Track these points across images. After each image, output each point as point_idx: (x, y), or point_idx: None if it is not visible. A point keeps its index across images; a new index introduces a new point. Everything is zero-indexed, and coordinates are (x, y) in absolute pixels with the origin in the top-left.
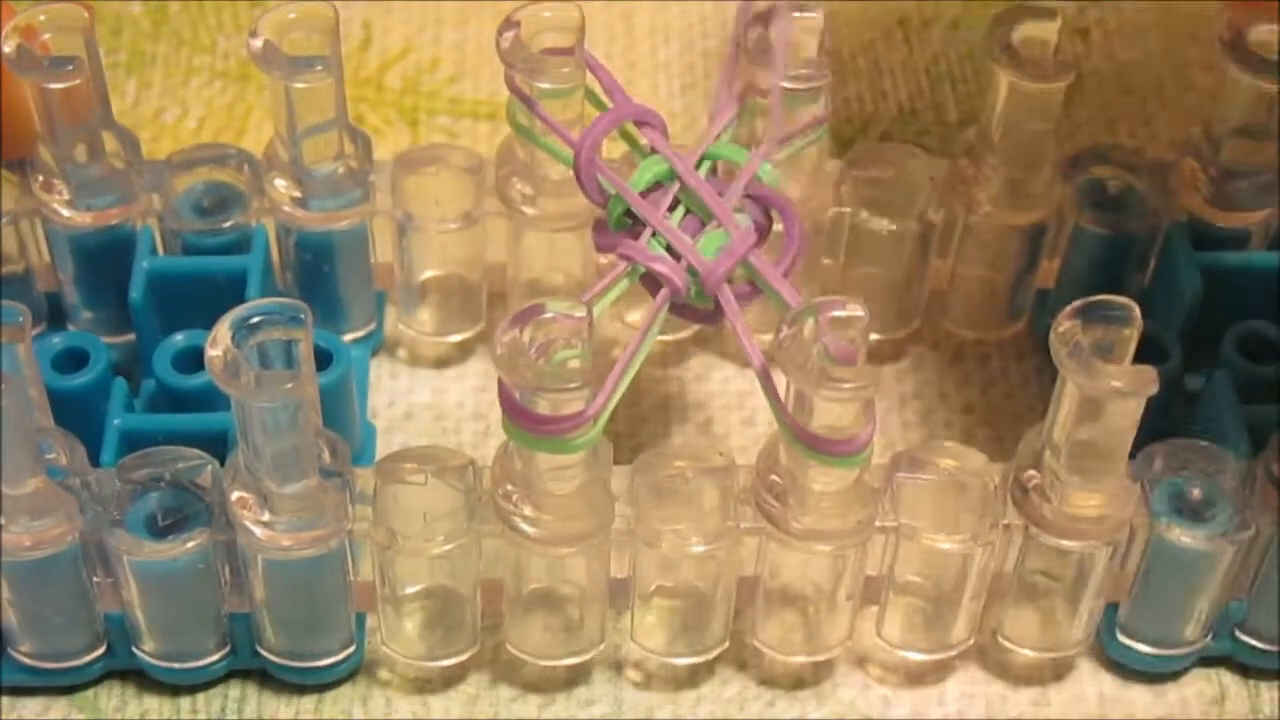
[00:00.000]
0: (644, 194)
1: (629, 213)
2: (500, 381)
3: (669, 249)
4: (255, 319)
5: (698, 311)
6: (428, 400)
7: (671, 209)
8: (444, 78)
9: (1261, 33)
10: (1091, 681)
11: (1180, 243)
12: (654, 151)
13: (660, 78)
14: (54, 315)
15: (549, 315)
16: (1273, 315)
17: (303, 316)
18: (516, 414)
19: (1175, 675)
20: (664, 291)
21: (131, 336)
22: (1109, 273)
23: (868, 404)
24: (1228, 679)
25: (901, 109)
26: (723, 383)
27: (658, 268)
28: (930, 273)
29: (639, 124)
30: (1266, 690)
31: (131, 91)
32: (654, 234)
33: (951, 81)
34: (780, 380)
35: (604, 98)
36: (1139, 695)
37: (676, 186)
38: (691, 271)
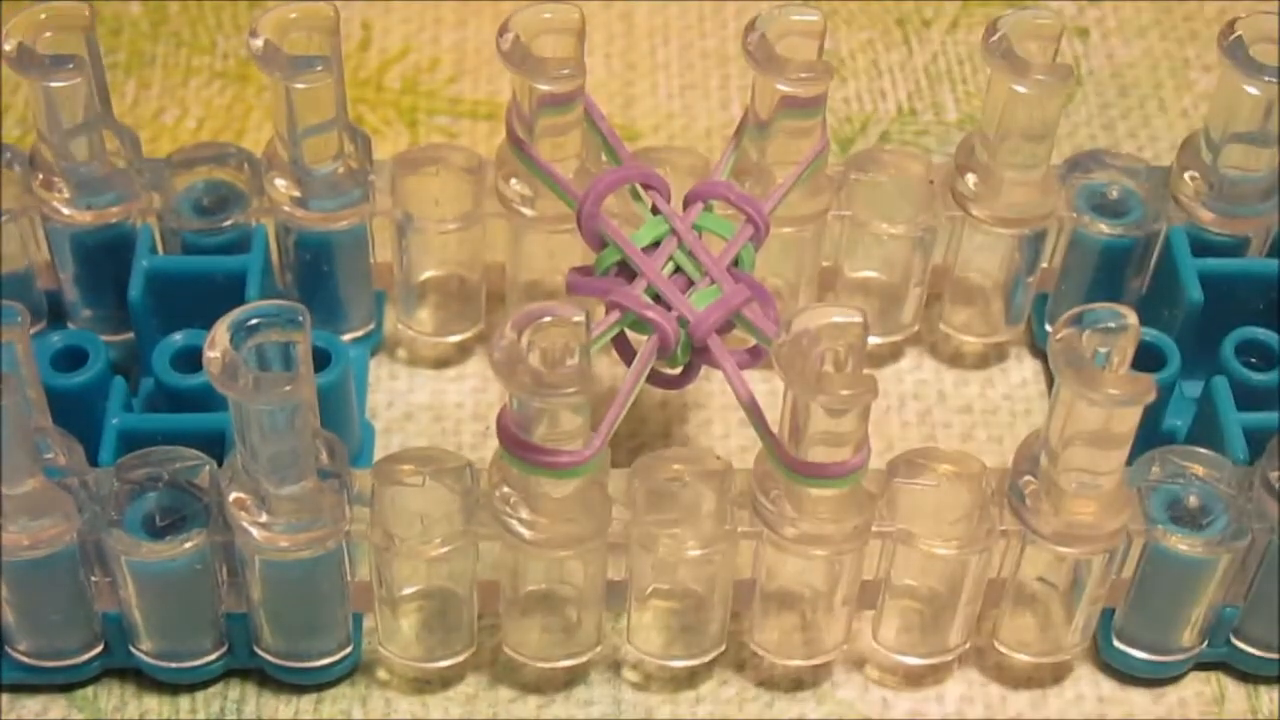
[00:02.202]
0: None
1: (619, 263)
2: (500, 414)
3: (657, 299)
4: (253, 321)
5: (667, 378)
6: (427, 401)
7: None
8: (443, 78)
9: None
10: (1090, 682)
11: (1179, 248)
12: (656, 212)
13: (660, 78)
14: (54, 313)
15: (547, 320)
16: (1271, 322)
17: (301, 319)
18: (516, 446)
19: (1174, 678)
20: (654, 339)
21: (131, 335)
22: (1107, 277)
23: (863, 413)
24: (1226, 680)
25: (901, 109)
26: (722, 383)
27: (650, 315)
28: (929, 275)
29: (645, 187)
30: (1265, 691)
31: (131, 91)
32: (644, 288)
33: (951, 81)
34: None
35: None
36: (1138, 696)
37: (673, 244)
38: (681, 324)
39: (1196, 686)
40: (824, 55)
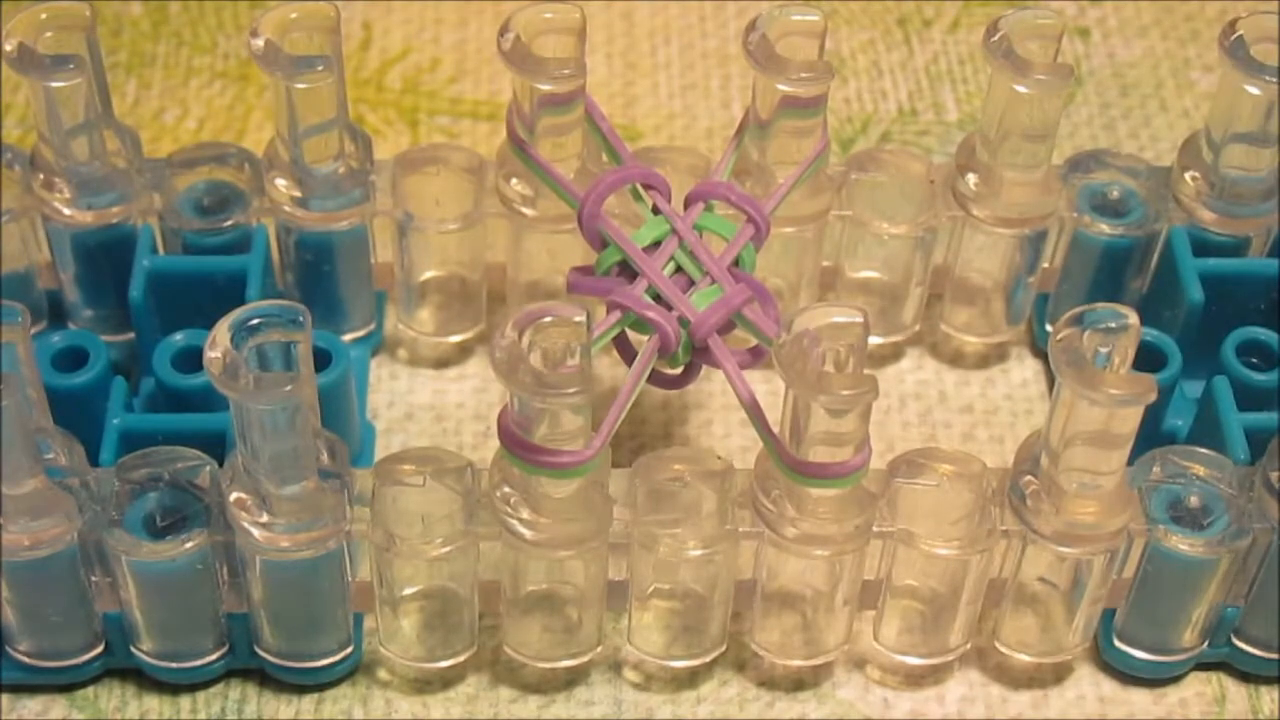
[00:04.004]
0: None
1: (620, 263)
2: (501, 414)
3: (657, 299)
4: (254, 321)
5: (668, 378)
6: (428, 401)
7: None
8: (444, 78)
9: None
10: (1091, 682)
11: (1180, 248)
12: (657, 212)
13: (660, 78)
14: (54, 313)
15: (548, 320)
16: (1272, 322)
17: (301, 319)
18: (517, 446)
19: (1174, 678)
20: (655, 339)
21: (131, 335)
22: (1108, 277)
23: (864, 413)
24: (1226, 680)
25: (901, 109)
26: (723, 383)
27: (650, 315)
28: (930, 275)
29: (646, 187)
30: (1266, 691)
31: (131, 91)
32: (645, 288)
33: (951, 81)
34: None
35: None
36: (1139, 696)
37: (674, 244)
38: (682, 324)
39: (1197, 687)
40: (825, 55)
